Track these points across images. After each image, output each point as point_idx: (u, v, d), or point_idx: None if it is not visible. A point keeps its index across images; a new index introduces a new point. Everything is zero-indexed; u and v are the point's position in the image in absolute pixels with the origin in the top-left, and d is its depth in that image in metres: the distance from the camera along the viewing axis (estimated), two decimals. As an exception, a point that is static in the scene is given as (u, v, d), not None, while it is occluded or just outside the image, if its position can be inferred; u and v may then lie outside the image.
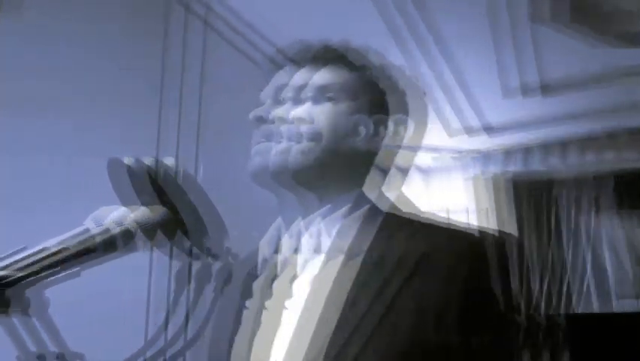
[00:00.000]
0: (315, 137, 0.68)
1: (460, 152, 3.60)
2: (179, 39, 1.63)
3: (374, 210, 0.67)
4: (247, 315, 0.71)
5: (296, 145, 0.67)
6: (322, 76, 0.72)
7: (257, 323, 0.69)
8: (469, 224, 0.67)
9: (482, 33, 2.09)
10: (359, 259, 0.62)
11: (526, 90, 2.70)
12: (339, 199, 0.68)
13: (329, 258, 0.65)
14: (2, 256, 0.46)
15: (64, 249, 0.48)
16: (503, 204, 3.66)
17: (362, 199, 0.68)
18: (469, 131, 3.18)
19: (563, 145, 3.35)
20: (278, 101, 0.72)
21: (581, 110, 2.89)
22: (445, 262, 0.58)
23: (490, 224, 3.54)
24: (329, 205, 0.68)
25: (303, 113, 0.69)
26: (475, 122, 3.14)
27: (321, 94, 0.70)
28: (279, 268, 0.70)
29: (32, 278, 0.45)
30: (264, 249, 0.71)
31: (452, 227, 0.65)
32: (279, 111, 0.70)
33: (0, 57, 1.15)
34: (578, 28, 2.06)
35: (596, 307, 3.18)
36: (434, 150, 3.48)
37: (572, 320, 2.98)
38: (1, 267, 0.45)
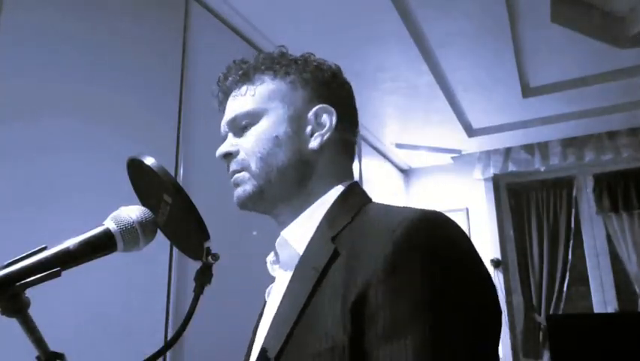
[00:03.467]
0: (244, 167, 0.68)
1: (458, 152, 3.60)
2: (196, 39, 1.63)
3: (323, 207, 0.66)
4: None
5: (236, 178, 0.69)
6: (230, 108, 0.72)
7: (260, 318, 0.72)
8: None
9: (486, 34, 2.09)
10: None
11: (525, 91, 2.70)
12: (302, 206, 0.67)
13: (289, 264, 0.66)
14: (22, 255, 0.45)
15: (84, 248, 0.48)
16: (500, 204, 3.66)
17: (320, 203, 0.67)
18: (469, 131, 3.19)
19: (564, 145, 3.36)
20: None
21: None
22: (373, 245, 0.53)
23: (486, 223, 3.54)
24: (299, 214, 0.67)
25: (229, 147, 0.70)
26: (474, 122, 3.15)
27: (235, 127, 0.70)
28: (270, 270, 0.73)
29: (50, 279, 0.44)
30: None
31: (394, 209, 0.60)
32: (219, 148, 0.71)
33: (13, 58, 1.14)
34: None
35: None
36: (433, 150, 3.49)
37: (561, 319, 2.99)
38: (22, 268, 0.44)
